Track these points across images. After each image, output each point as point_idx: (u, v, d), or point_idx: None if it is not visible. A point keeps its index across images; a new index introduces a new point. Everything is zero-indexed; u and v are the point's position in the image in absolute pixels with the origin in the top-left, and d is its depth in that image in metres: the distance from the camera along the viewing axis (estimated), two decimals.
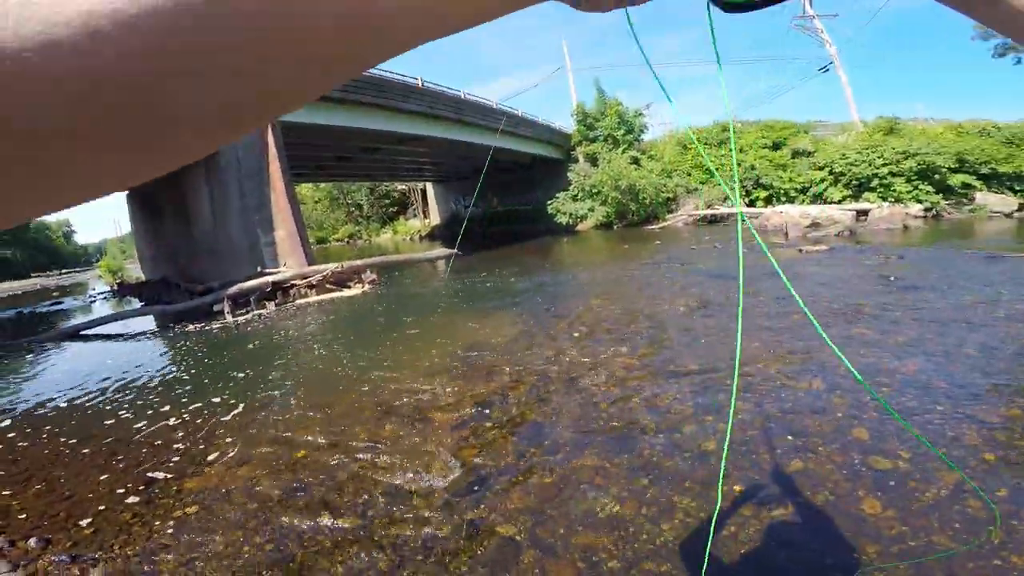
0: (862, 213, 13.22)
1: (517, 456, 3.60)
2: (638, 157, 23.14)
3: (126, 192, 22.17)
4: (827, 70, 24.70)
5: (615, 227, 21.76)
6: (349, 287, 12.86)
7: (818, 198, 18.27)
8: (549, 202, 23.17)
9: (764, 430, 3.47)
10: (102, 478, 3.92)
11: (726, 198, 19.94)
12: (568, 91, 28.58)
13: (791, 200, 18.76)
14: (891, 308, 6.10)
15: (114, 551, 2.97)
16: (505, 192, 31.88)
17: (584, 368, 5.22)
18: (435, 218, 37.52)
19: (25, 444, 4.87)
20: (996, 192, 17.00)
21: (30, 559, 2.98)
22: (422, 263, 18.25)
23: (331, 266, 12.99)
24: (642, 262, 12.17)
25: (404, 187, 41.65)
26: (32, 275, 40.41)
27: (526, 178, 29.73)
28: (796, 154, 20.49)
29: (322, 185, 40.57)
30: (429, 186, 37.62)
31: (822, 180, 18.53)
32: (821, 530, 2.54)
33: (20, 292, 27.75)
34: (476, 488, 3.25)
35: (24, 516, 3.45)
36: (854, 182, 17.64)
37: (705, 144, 23.11)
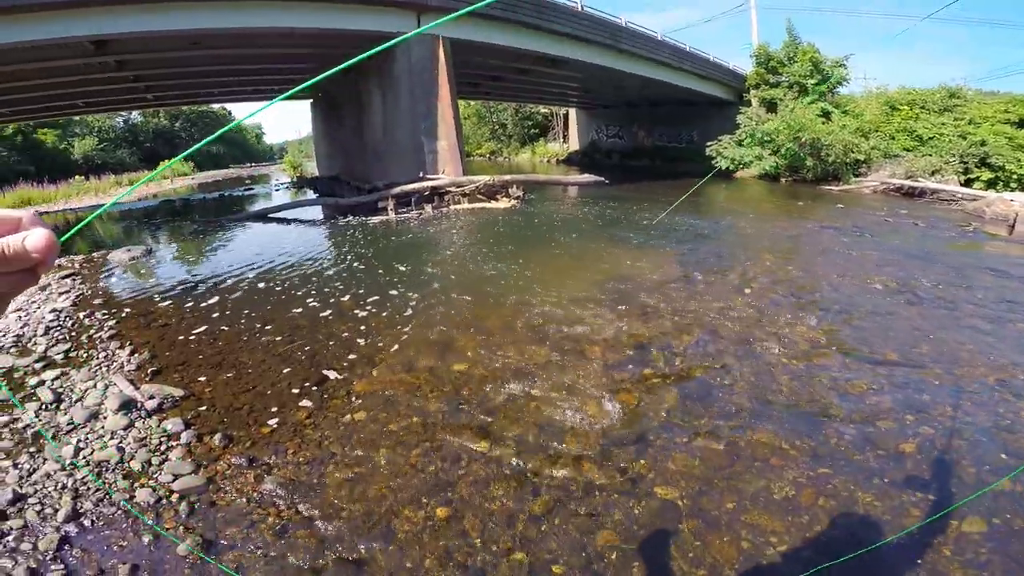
0: None
1: (682, 414, 3.38)
2: (830, 110, 19.82)
3: (311, 100, 24.41)
4: None
5: (782, 180, 19.19)
6: (497, 200, 13.20)
7: None
8: (709, 144, 20.87)
9: (973, 442, 3.03)
10: (284, 371, 4.08)
11: (935, 171, 16.33)
12: (748, 30, 24.55)
13: None
14: None
15: (287, 456, 3.02)
16: (655, 127, 29.59)
17: (759, 331, 4.71)
18: (574, 144, 36.37)
19: (225, 327, 5.12)
20: None
21: (212, 458, 3.01)
22: (564, 186, 18.34)
23: (484, 178, 13.40)
24: (821, 224, 10.52)
25: (547, 110, 40.77)
26: (231, 166, 48.06)
27: (682, 115, 27.04)
28: None
29: (471, 103, 41.07)
30: (572, 112, 36.30)
31: None
32: (991, 560, 2.23)
33: (222, 179, 33.40)
34: (636, 439, 3.11)
35: (213, 408, 3.56)
36: None
37: (922, 109, 19.15)
